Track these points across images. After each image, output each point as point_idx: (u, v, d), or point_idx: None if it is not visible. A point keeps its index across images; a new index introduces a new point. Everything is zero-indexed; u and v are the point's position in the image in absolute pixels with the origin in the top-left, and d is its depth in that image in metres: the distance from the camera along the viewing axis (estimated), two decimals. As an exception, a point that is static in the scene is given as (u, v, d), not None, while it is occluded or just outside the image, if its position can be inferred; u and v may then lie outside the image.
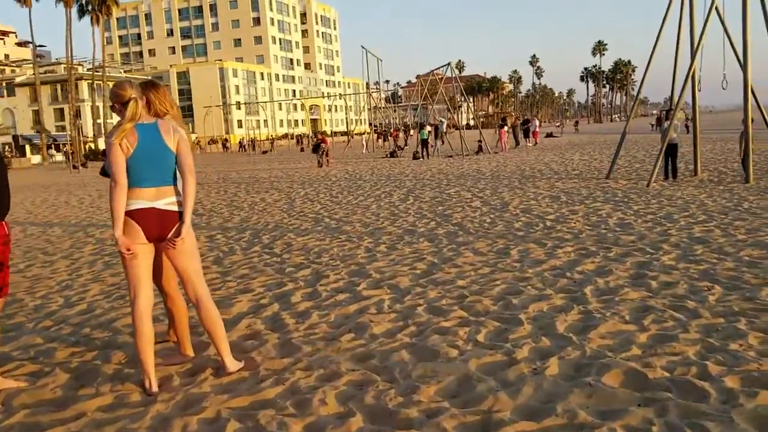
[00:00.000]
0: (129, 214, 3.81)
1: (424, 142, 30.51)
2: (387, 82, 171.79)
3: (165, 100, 4.34)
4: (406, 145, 43.03)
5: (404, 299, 5.61)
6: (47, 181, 31.17)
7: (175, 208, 3.93)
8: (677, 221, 8.88)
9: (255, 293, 6.19)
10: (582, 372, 3.76)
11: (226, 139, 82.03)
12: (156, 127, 3.88)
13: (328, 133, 74.37)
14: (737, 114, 16.23)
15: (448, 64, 33.61)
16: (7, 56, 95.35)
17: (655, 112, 78.39)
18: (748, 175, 13.08)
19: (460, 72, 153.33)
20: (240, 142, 69.94)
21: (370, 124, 60.32)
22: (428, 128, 31.76)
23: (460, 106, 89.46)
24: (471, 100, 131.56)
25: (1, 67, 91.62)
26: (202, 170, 32.55)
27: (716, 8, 13.78)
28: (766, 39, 13.12)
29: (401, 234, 9.22)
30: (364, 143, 44.41)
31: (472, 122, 71.12)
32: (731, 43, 14.64)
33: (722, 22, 14.68)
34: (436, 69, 36.73)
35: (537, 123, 40.90)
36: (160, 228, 3.88)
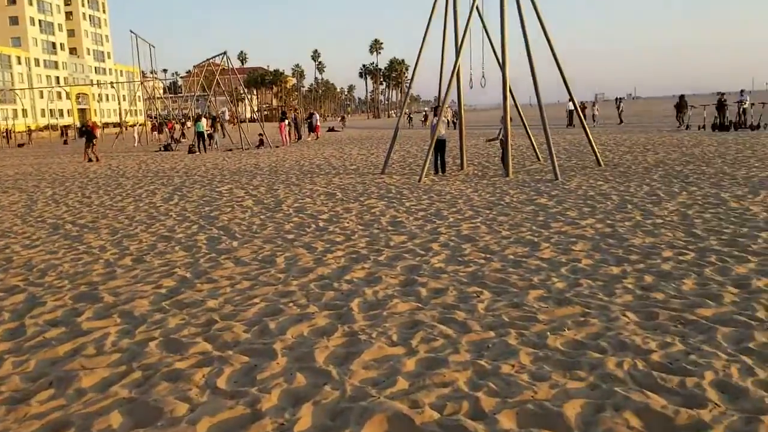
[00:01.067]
0: None
1: (201, 135, 28.70)
2: (165, 71, 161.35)
3: None
4: (183, 137, 40.37)
5: (136, 331, 4.54)
6: None
7: None
8: (446, 218, 8.80)
9: (-68, 335, 4.67)
10: (339, 421, 3.08)
11: (-29, 131, 70.74)
12: None
13: (99, 123, 66.88)
14: (498, 112, 17.23)
15: (225, 53, 32.00)
16: None
17: (426, 108, 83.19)
18: (508, 170, 13.79)
19: (242, 63, 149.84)
20: (-12, 134, 60.60)
21: (149, 116, 55.92)
22: (205, 121, 29.90)
23: (243, 99, 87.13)
24: (255, 92, 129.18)
25: None
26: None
27: (477, 8, 14.28)
28: (523, 40, 13.74)
29: (154, 242, 7.99)
30: (137, 135, 40.88)
31: (256, 115, 69.45)
32: (491, 43, 15.37)
33: (482, 22, 15.34)
34: (212, 58, 34.78)
35: (317, 117, 40.85)
36: None
